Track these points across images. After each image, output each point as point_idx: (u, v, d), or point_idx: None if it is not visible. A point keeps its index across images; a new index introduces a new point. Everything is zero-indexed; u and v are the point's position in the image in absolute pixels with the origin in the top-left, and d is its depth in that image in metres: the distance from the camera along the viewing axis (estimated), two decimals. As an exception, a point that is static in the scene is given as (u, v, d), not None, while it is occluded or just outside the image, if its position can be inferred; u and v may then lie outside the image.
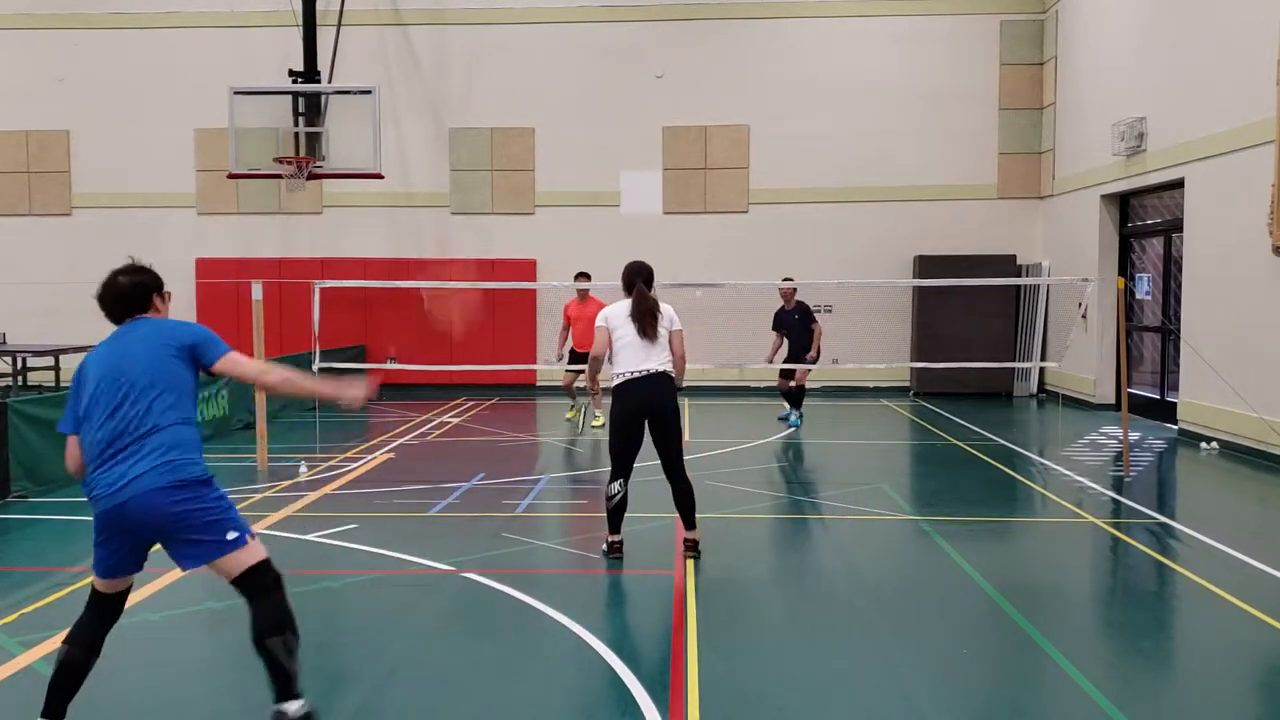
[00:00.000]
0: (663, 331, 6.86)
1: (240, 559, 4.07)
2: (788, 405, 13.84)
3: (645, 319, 6.78)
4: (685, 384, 7.49)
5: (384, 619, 5.81)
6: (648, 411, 6.77)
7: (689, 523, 7.02)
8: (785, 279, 13.80)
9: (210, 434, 12.05)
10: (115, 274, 4.48)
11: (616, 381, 6.81)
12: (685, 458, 6.96)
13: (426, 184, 18.21)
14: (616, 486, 6.86)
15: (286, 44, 16.58)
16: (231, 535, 4.05)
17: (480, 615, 5.88)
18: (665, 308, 6.99)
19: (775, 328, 13.75)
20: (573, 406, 13.79)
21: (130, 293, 4.48)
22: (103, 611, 4.19)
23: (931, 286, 15.88)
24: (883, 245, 17.62)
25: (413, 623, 5.72)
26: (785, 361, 13.56)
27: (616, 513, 6.92)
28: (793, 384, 13.57)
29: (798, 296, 13.59)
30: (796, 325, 13.48)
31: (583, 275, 13.23)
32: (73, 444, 4.18)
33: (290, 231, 18.38)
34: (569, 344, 13.31)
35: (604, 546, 6.99)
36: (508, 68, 18.03)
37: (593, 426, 13.10)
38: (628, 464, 6.91)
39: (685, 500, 6.97)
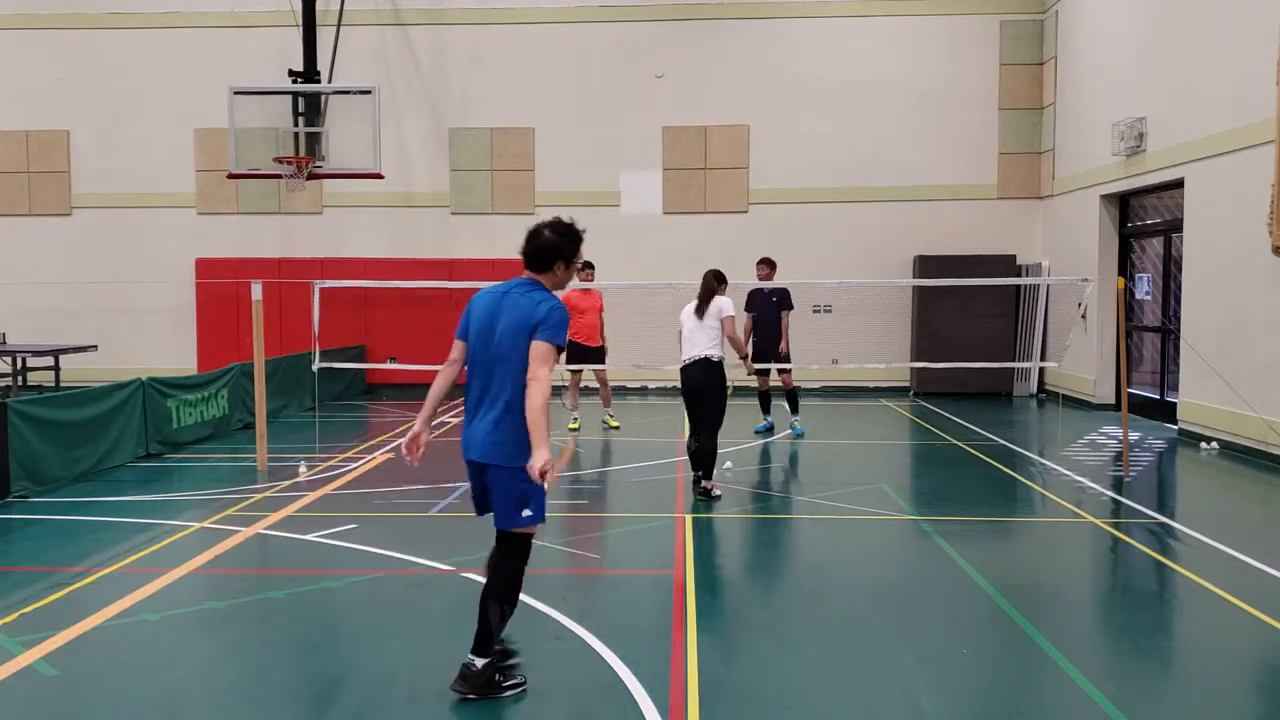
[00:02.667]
0: (713, 318, 8.76)
1: (519, 530, 4.67)
2: (765, 414, 12.71)
3: (700, 300, 8.89)
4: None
5: (384, 619, 5.81)
6: (689, 389, 8.83)
7: (706, 474, 8.83)
8: (764, 261, 12.45)
9: (210, 434, 12.06)
10: (544, 225, 4.74)
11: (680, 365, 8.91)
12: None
13: (426, 184, 18.22)
14: (690, 441, 8.94)
15: (286, 44, 16.59)
16: (526, 513, 4.61)
17: (480, 615, 5.87)
18: (723, 300, 8.88)
19: (747, 308, 12.47)
20: (575, 419, 12.95)
21: (543, 247, 4.69)
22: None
23: (931, 286, 15.89)
24: (883, 245, 17.61)
25: (413, 623, 5.73)
26: (756, 356, 11.98)
27: (692, 459, 8.90)
28: (779, 384, 12.56)
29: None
30: (771, 308, 12.31)
31: (588, 265, 12.72)
32: (456, 347, 4.78)
33: (290, 231, 18.38)
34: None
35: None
36: (508, 68, 18.03)
37: (611, 428, 13.02)
38: (694, 425, 8.85)
39: (697, 453, 8.79)
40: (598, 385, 13.34)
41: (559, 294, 4.75)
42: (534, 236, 4.69)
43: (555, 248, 4.67)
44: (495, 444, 4.53)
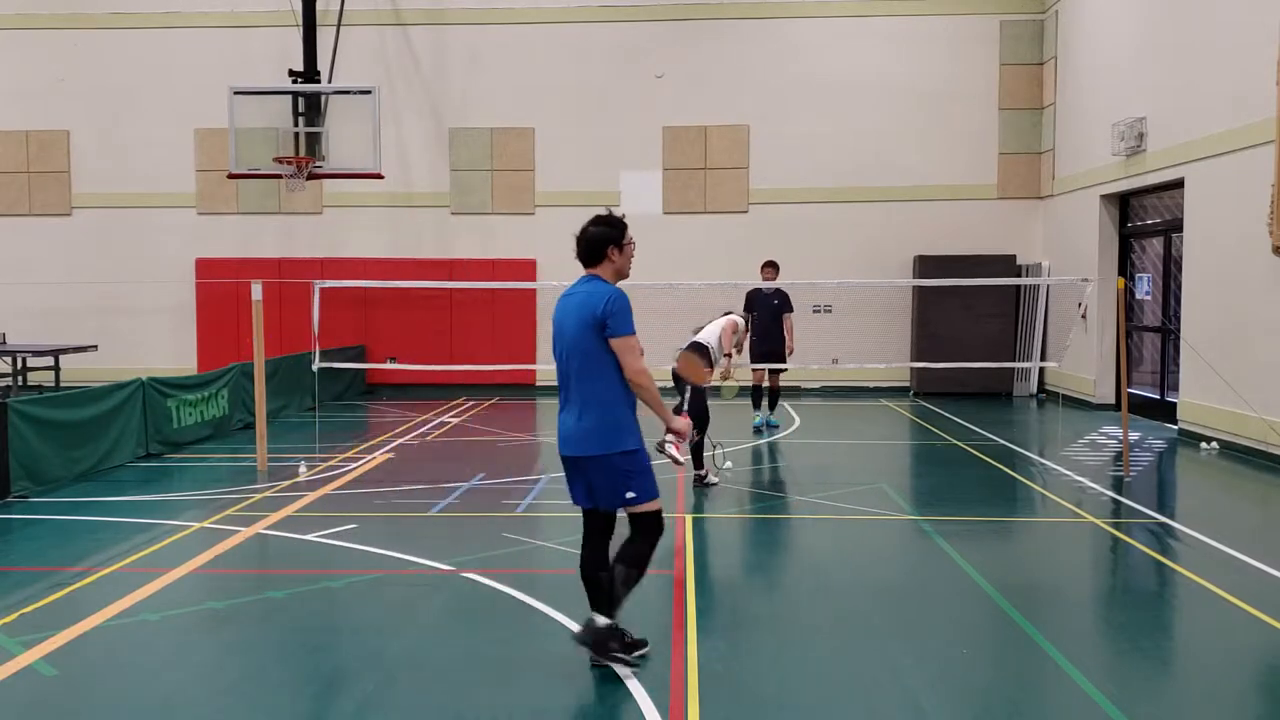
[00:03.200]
0: (713, 324, 9.54)
1: (635, 509, 4.86)
2: (756, 409, 13.33)
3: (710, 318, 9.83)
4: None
5: (384, 619, 5.81)
6: (674, 371, 9.20)
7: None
8: (770, 264, 12.97)
9: (210, 434, 12.07)
10: (588, 222, 5.00)
11: None
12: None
13: (426, 184, 18.21)
14: (691, 434, 9.33)
15: (286, 44, 16.59)
16: (629, 495, 4.81)
17: (480, 615, 5.88)
18: (733, 316, 9.65)
19: (747, 308, 12.61)
20: None
21: (590, 241, 4.94)
22: (595, 529, 5.02)
23: (931, 286, 15.88)
24: (883, 245, 17.61)
25: (413, 623, 5.73)
26: (754, 355, 12.59)
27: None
28: (766, 384, 13.05)
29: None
30: (771, 310, 12.73)
31: None
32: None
33: (290, 231, 18.38)
34: None
35: None
36: (508, 68, 18.03)
37: None
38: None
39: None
40: None
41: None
42: (580, 237, 4.97)
43: (601, 237, 4.91)
44: (585, 436, 4.79)
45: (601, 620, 4.86)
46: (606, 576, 4.89)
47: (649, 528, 4.90)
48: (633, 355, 4.74)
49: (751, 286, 12.95)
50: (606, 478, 4.81)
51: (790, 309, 12.96)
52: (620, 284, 4.97)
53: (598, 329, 4.72)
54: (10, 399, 9.54)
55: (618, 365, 4.75)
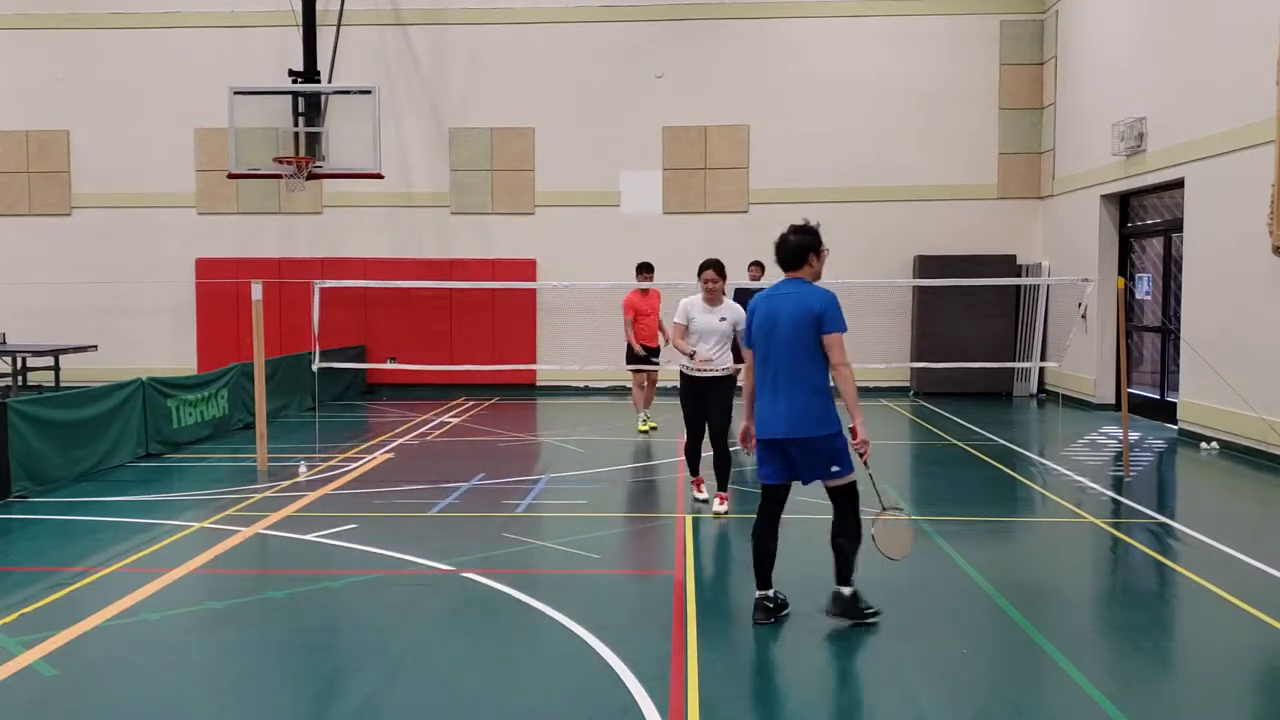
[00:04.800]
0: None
1: (837, 482, 5.53)
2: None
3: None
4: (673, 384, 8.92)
5: (384, 619, 5.81)
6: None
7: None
8: (756, 263, 13.42)
9: (210, 434, 12.07)
10: (788, 231, 5.56)
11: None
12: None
13: (426, 184, 18.21)
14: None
15: (286, 44, 16.59)
16: (835, 469, 5.45)
17: (480, 615, 5.88)
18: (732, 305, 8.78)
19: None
20: (646, 419, 13.13)
21: (794, 248, 5.49)
22: (776, 502, 5.67)
23: (931, 286, 15.88)
24: (883, 245, 17.61)
25: (413, 623, 5.73)
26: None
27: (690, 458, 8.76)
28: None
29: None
30: None
31: (646, 266, 12.76)
32: (747, 354, 5.68)
33: (290, 231, 18.38)
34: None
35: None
36: (508, 68, 18.03)
37: (640, 430, 12.97)
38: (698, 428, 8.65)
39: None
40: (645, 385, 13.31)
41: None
42: (782, 245, 5.53)
43: (803, 245, 5.49)
44: (797, 420, 5.36)
45: (847, 590, 5.54)
46: (775, 545, 5.58)
47: (851, 497, 5.58)
48: (842, 350, 5.36)
49: (738, 286, 12.97)
50: (814, 456, 5.41)
51: None
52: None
53: (815, 325, 5.29)
54: (10, 399, 9.54)
55: (825, 358, 5.34)
